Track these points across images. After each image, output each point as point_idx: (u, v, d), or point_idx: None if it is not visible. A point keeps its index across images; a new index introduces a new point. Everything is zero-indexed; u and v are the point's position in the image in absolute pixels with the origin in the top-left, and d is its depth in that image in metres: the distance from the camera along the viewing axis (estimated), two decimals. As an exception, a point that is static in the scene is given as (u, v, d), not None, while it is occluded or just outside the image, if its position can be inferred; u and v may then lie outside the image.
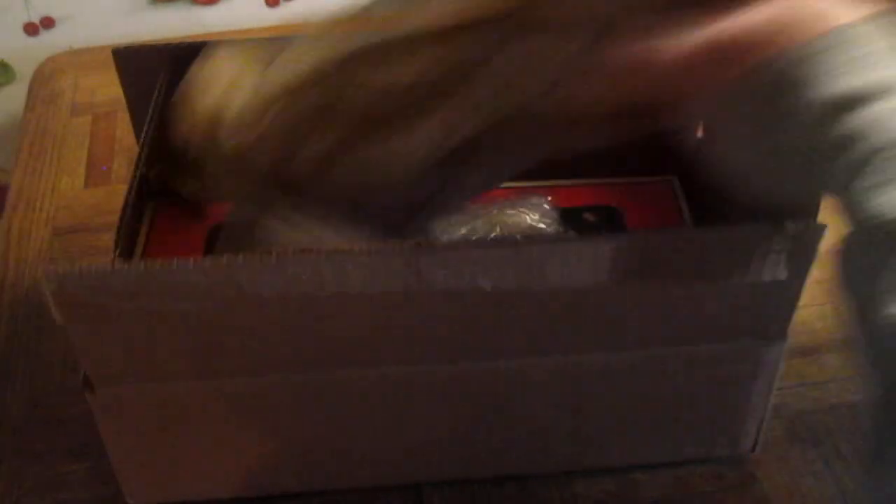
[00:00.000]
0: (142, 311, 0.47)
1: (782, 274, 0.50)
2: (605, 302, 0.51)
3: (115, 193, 0.83)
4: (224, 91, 0.53)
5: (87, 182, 0.85)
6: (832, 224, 0.75)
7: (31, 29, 1.09)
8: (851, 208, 0.37)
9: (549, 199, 0.65)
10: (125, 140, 0.89)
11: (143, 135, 0.55)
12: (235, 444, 0.56)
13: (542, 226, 0.63)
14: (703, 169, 0.48)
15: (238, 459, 0.57)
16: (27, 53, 1.07)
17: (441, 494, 0.60)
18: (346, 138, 0.49)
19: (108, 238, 0.78)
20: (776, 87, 0.40)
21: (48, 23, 1.09)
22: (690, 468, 0.61)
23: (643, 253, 0.49)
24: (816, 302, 0.61)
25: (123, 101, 0.92)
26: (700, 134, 0.68)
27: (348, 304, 0.48)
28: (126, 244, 0.51)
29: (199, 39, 0.61)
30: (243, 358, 0.51)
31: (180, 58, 0.60)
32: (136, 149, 0.87)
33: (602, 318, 0.52)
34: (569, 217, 0.65)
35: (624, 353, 0.54)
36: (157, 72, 0.61)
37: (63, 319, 0.46)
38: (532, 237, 0.60)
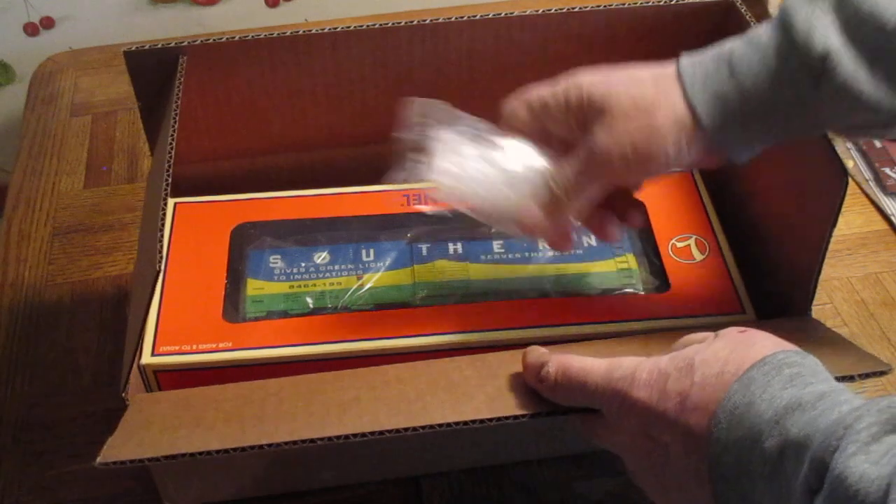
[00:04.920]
0: None
1: None
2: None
3: (114, 193, 0.83)
4: None
5: (87, 182, 0.85)
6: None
7: (31, 29, 1.09)
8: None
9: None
10: (125, 140, 0.89)
11: (171, 133, 0.55)
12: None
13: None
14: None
15: (262, 462, 0.58)
16: (27, 53, 1.08)
17: (441, 494, 0.60)
18: None
19: (108, 238, 0.79)
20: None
21: (48, 23, 1.09)
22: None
23: None
24: (817, 302, 0.61)
25: (123, 101, 0.93)
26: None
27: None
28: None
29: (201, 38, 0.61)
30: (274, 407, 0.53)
31: (191, 56, 0.61)
32: (146, 149, 0.87)
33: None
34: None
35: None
36: (166, 71, 0.61)
37: None
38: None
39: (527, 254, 0.64)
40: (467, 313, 0.59)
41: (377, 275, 0.63)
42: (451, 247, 0.64)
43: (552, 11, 0.63)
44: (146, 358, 0.57)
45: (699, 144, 0.49)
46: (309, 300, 0.61)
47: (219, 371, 0.57)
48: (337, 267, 0.63)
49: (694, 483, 0.43)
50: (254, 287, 0.62)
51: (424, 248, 0.64)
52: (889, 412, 0.36)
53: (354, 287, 0.62)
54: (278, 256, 0.64)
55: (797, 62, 0.46)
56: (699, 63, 0.49)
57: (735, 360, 0.43)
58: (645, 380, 0.45)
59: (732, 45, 0.49)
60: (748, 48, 0.48)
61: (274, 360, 0.57)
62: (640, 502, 0.60)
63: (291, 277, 0.63)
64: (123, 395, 0.52)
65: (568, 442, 0.61)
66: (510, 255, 0.64)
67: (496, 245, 0.65)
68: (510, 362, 0.52)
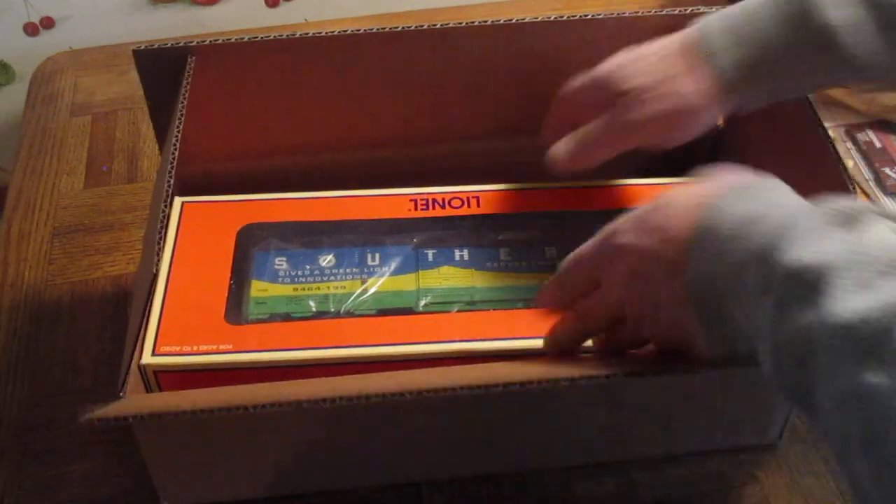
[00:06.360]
0: None
1: None
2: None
3: (114, 193, 0.83)
4: None
5: (87, 182, 0.85)
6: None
7: (31, 29, 1.09)
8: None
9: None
10: (125, 140, 0.89)
11: (176, 133, 0.55)
12: (261, 451, 0.57)
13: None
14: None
15: (262, 464, 0.58)
16: (27, 53, 1.07)
17: (441, 494, 0.60)
18: None
19: (108, 238, 0.79)
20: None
21: (48, 23, 1.09)
22: (691, 469, 0.61)
23: None
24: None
25: (123, 101, 0.93)
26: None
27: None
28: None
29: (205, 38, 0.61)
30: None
31: (199, 57, 0.61)
32: (146, 149, 0.87)
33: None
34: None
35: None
36: (174, 70, 0.60)
37: None
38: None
39: (533, 262, 0.64)
40: (470, 321, 0.59)
41: (381, 279, 0.62)
42: (457, 253, 0.64)
43: (565, 18, 0.63)
44: (146, 358, 0.56)
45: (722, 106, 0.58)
46: (312, 304, 0.61)
47: (219, 373, 0.57)
48: (342, 270, 0.63)
49: (683, 312, 0.46)
50: (258, 289, 0.62)
51: (430, 253, 0.64)
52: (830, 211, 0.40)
53: (358, 291, 0.62)
54: (284, 258, 0.64)
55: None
56: (720, 33, 0.57)
57: (698, 190, 0.47)
58: (628, 227, 0.49)
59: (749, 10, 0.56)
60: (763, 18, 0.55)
61: (274, 363, 0.57)
62: (640, 502, 0.60)
63: (296, 280, 0.63)
64: (121, 394, 0.52)
65: (571, 452, 0.62)
66: (516, 264, 0.64)
67: (503, 253, 0.64)
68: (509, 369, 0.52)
